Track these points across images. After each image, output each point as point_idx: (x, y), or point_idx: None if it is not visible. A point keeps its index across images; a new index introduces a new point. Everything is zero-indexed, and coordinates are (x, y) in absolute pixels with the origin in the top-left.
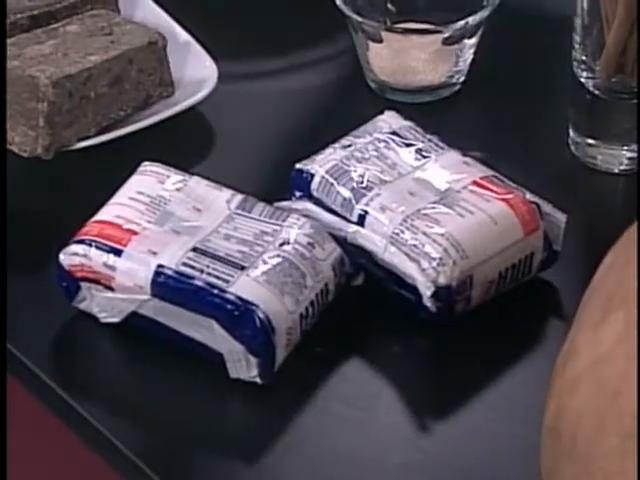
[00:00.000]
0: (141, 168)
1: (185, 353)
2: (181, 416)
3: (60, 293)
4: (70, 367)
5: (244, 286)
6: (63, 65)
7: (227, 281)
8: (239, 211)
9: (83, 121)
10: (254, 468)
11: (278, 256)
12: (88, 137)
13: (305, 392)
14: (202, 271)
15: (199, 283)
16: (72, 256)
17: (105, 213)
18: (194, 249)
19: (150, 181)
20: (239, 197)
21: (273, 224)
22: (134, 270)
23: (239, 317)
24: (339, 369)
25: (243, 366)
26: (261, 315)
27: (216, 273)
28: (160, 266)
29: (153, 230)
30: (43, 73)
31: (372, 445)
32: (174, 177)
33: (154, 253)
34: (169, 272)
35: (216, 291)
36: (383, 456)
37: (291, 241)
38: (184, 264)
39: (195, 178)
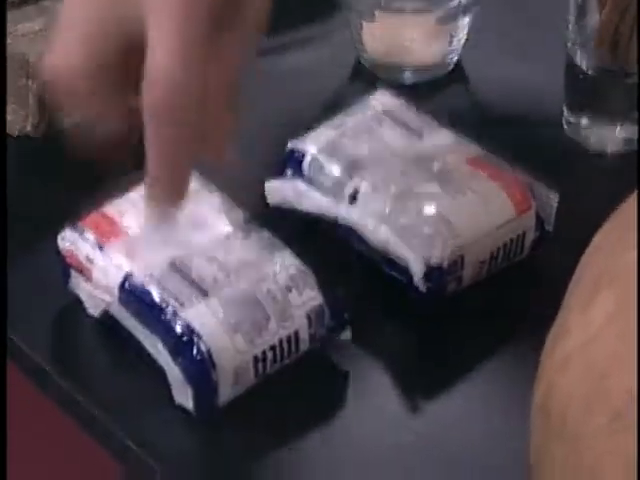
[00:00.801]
0: None
1: None
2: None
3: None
4: (66, 353)
5: (198, 314)
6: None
7: (183, 304)
8: (236, 235)
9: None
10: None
11: (247, 292)
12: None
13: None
14: (165, 288)
15: (156, 299)
16: (64, 241)
17: (112, 205)
18: (171, 264)
19: None
20: (242, 223)
21: (261, 256)
22: (108, 270)
23: (181, 344)
24: (331, 347)
25: (182, 393)
26: (202, 348)
27: (177, 294)
28: (130, 273)
29: (144, 233)
30: (33, 50)
31: (363, 427)
32: (193, 185)
33: (132, 257)
34: (136, 281)
35: (169, 312)
36: (374, 438)
37: (269, 279)
38: (152, 277)
39: (213, 193)
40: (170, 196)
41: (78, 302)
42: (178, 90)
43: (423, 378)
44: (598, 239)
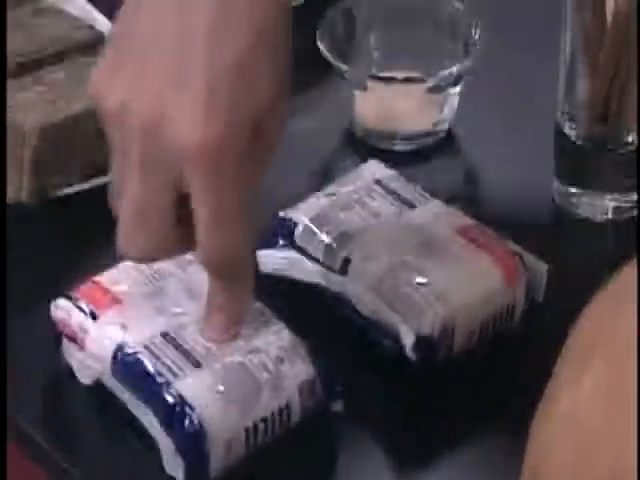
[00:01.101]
0: None
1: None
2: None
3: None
4: (56, 421)
5: (190, 385)
6: (49, 112)
7: (176, 375)
8: None
9: (69, 168)
10: None
11: (239, 363)
12: (75, 184)
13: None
14: (159, 358)
15: (151, 370)
16: (58, 309)
17: (106, 274)
18: (164, 334)
19: None
20: None
21: (253, 327)
22: (101, 340)
23: (174, 415)
24: (322, 417)
25: (174, 465)
26: (195, 419)
27: (170, 364)
28: (122, 343)
29: (138, 302)
30: (29, 120)
31: None
32: (187, 255)
33: (125, 327)
34: (129, 351)
35: (162, 382)
36: None
37: (261, 351)
38: (146, 347)
39: None
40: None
41: (70, 370)
42: (230, 254)
43: (415, 448)
44: (588, 313)
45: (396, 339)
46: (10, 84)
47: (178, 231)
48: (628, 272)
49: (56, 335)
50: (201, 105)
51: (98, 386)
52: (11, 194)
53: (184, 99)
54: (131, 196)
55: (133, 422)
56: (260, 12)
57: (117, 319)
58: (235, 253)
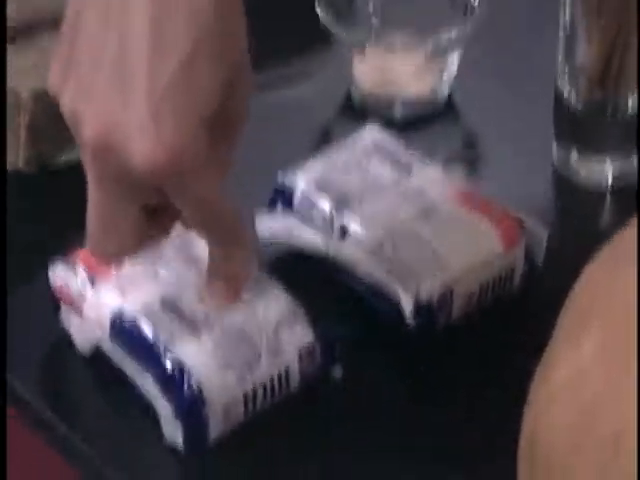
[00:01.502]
0: None
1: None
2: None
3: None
4: (55, 388)
5: (189, 350)
6: (45, 78)
7: (175, 341)
8: None
9: (66, 135)
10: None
11: (238, 328)
12: (71, 151)
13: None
14: (157, 324)
15: (149, 335)
16: (56, 275)
17: None
18: (162, 300)
19: None
20: None
21: (252, 293)
22: (100, 305)
23: (172, 380)
24: (321, 383)
25: (172, 430)
26: (193, 384)
27: (169, 329)
28: (121, 308)
29: (136, 269)
30: (25, 86)
31: (354, 463)
32: None
33: (124, 293)
34: (127, 317)
35: (160, 347)
36: (365, 474)
37: (259, 316)
38: (144, 312)
39: None
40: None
41: (68, 337)
42: None
43: (414, 414)
44: (586, 275)
45: (395, 305)
46: (6, 49)
47: (149, 226)
48: (626, 235)
49: (54, 301)
50: (147, 119)
51: (96, 352)
52: (9, 161)
53: (129, 114)
54: (94, 203)
55: (132, 388)
56: (200, 3)
57: (115, 285)
58: (229, 222)
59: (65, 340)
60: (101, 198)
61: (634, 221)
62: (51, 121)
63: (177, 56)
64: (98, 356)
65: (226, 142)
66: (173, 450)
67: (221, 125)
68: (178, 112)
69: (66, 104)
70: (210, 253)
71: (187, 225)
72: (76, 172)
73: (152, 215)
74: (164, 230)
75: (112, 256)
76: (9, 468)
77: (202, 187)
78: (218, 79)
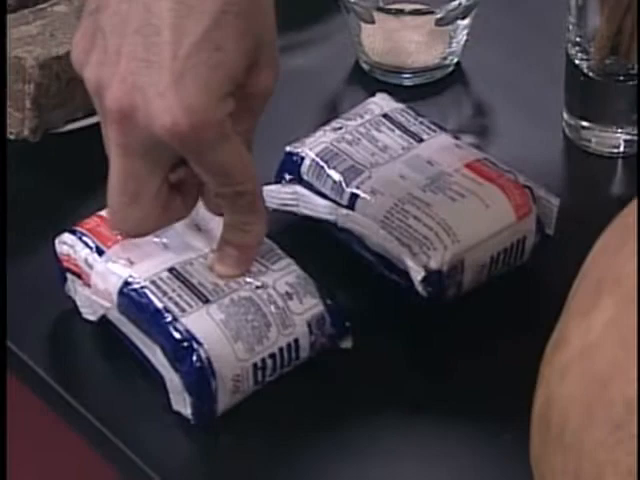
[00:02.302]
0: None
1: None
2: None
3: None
4: (62, 358)
5: (198, 320)
6: (50, 46)
7: (184, 310)
8: None
9: (71, 103)
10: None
11: (248, 299)
12: (76, 119)
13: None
14: (165, 294)
15: (158, 305)
16: (62, 245)
17: None
18: (170, 269)
19: None
20: None
21: (261, 263)
22: (107, 275)
23: (181, 350)
24: (331, 353)
25: (180, 400)
26: (203, 355)
27: (177, 300)
28: (129, 278)
29: (144, 238)
30: (30, 54)
31: (363, 434)
32: None
33: (132, 263)
34: (135, 286)
35: (169, 318)
36: (374, 444)
37: (269, 286)
38: (152, 282)
39: None
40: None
41: (75, 307)
42: None
43: (423, 385)
44: (599, 245)
45: (405, 274)
46: (10, 18)
47: (171, 202)
48: (633, 206)
49: (61, 271)
50: (170, 83)
51: (103, 322)
52: (13, 130)
53: (151, 80)
54: (117, 171)
55: (139, 358)
56: None
57: (123, 254)
58: (249, 192)
59: (72, 309)
60: (124, 165)
61: None
62: (56, 89)
63: (202, 23)
64: (105, 326)
65: (249, 115)
66: (181, 421)
67: (245, 99)
68: (201, 77)
69: (90, 73)
70: (225, 222)
71: (209, 204)
72: (81, 140)
73: (173, 192)
74: (185, 208)
75: (133, 228)
76: (15, 439)
77: (223, 154)
78: (242, 49)
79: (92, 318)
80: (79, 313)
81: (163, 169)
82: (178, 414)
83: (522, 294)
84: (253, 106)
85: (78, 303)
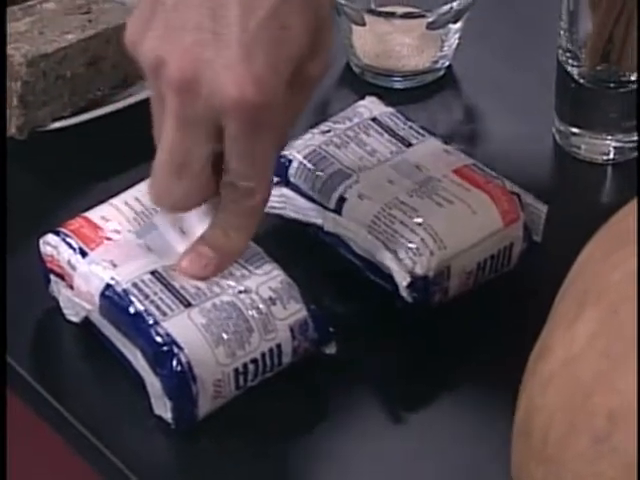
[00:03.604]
0: None
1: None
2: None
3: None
4: (44, 359)
5: (179, 324)
6: (39, 44)
7: (165, 314)
8: None
9: (58, 101)
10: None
11: (230, 303)
12: (64, 117)
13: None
14: (147, 297)
15: (139, 308)
16: (46, 245)
17: (95, 210)
18: (153, 272)
19: None
20: None
21: (244, 268)
22: (90, 277)
23: (161, 354)
24: (314, 358)
25: (161, 405)
26: (183, 359)
27: (159, 303)
28: (111, 280)
29: (128, 240)
30: (18, 51)
31: (345, 439)
32: None
33: (114, 265)
34: (117, 289)
35: (150, 321)
36: (357, 450)
37: (252, 291)
38: (134, 285)
39: None
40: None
41: (58, 308)
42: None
43: (407, 391)
44: (584, 254)
45: (391, 279)
46: None
47: (209, 178)
48: (621, 218)
49: (44, 272)
50: (239, 55)
51: (86, 324)
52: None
53: (219, 53)
54: (168, 146)
55: (121, 361)
56: None
57: (106, 256)
58: (257, 194)
59: (54, 311)
60: (177, 138)
61: (632, 204)
62: (44, 87)
63: (268, 1)
64: (88, 327)
65: (302, 95)
66: (163, 424)
67: (301, 79)
68: (268, 52)
69: (148, 48)
70: (214, 222)
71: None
72: (68, 139)
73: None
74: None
75: (177, 202)
76: None
77: (264, 143)
78: (305, 26)
79: (75, 319)
80: (63, 314)
81: (212, 143)
82: (159, 418)
83: (509, 301)
84: (300, 96)
85: (61, 304)
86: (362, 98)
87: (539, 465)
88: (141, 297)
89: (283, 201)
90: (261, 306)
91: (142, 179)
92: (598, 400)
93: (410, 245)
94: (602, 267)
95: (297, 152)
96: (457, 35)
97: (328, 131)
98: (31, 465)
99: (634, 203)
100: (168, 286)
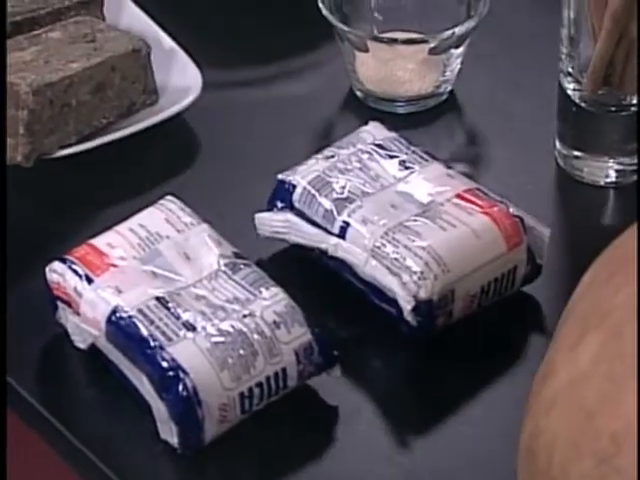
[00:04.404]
0: (161, 201)
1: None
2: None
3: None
4: (52, 385)
5: (184, 349)
6: (44, 72)
7: (171, 339)
8: (225, 270)
9: (64, 129)
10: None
11: (234, 328)
12: (70, 145)
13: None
14: (152, 322)
15: (144, 333)
16: (52, 273)
17: (101, 237)
18: (158, 298)
19: (159, 216)
20: (231, 257)
21: (249, 292)
22: (96, 303)
23: (167, 379)
24: (319, 382)
25: (167, 429)
26: (189, 384)
27: (164, 328)
28: (117, 306)
29: (133, 266)
30: (24, 80)
31: (351, 463)
32: (184, 218)
33: (120, 291)
34: (123, 314)
35: (155, 346)
36: (362, 474)
37: (256, 315)
38: (140, 311)
39: (203, 226)
40: None
41: (66, 334)
42: None
43: (412, 414)
44: (587, 277)
45: (395, 303)
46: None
47: None
48: (623, 242)
49: (52, 299)
50: None
51: (93, 350)
52: (7, 156)
53: None
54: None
55: (127, 386)
56: None
57: (112, 283)
58: None
59: (62, 337)
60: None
61: (633, 229)
62: (50, 115)
63: None
64: (95, 353)
65: None
66: (169, 449)
67: None
68: None
69: None
70: None
71: None
72: (74, 167)
73: None
74: None
75: None
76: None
77: None
78: None
79: (82, 346)
80: (70, 340)
81: None
82: (166, 442)
83: (513, 324)
84: None
85: (69, 330)
86: (365, 123)
87: None
88: (146, 323)
89: (287, 226)
90: (266, 330)
91: (147, 206)
92: (602, 422)
93: (414, 269)
94: (605, 290)
95: (301, 177)
96: (459, 60)
97: (332, 156)
98: None
99: (633, 228)
100: (173, 311)
